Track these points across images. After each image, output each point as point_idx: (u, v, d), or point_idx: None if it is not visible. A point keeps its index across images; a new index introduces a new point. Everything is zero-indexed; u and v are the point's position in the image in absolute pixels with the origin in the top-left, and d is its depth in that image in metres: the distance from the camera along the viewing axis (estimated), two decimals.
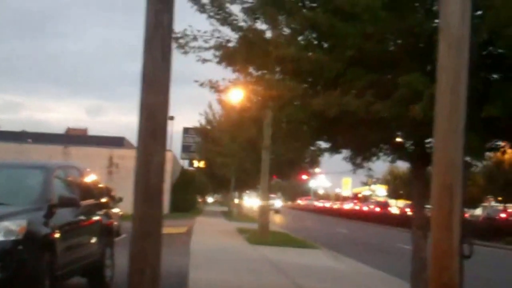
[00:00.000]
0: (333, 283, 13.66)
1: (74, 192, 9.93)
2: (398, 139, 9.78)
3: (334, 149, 10.88)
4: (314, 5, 9.20)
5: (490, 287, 16.42)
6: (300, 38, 9.38)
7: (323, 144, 11.02)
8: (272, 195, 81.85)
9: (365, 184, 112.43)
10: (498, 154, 9.48)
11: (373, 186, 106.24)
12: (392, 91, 8.08)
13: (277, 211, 71.75)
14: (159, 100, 5.16)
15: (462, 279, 6.08)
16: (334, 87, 8.43)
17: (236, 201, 56.84)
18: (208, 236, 25.08)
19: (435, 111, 6.11)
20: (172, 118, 60.99)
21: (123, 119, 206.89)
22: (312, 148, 12.13)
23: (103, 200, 11.69)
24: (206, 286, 11.77)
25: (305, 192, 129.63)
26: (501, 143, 9.28)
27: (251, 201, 74.46)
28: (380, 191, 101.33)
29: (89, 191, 10.89)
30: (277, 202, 79.33)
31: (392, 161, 10.68)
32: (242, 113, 26.20)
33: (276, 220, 49.50)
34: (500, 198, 63.84)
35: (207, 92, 12.15)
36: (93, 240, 10.52)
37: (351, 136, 9.49)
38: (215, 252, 18.49)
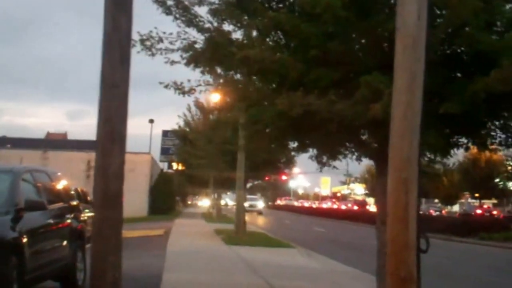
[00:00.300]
0: (306, 282, 13.76)
1: (42, 196, 9.94)
2: (363, 137, 9.90)
3: (301, 149, 11.02)
4: (280, 5, 9.35)
5: (452, 281, 16.62)
6: (268, 39, 9.54)
7: (291, 144, 11.07)
8: (253, 196, 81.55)
9: (344, 183, 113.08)
10: (462, 151, 9.61)
11: (351, 185, 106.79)
12: (354, 91, 8.19)
13: (259, 213, 70.68)
14: (118, 104, 5.22)
15: (419, 273, 6.22)
16: (299, 87, 8.54)
17: (215, 201, 56.85)
18: (185, 238, 25.11)
19: (391, 109, 6.24)
20: (152, 121, 60.99)
21: None
22: (278, 147, 12.22)
23: (74, 203, 11.70)
24: (178, 287, 11.81)
25: (286, 193, 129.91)
26: (464, 140, 9.44)
27: (230, 202, 74.57)
28: (359, 189, 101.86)
29: (58, 195, 10.90)
30: (259, 203, 76.67)
31: (358, 159, 10.81)
32: (217, 115, 26.41)
33: (255, 220, 49.54)
34: (476, 195, 64.52)
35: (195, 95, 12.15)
36: (63, 243, 10.53)
37: (316, 136, 9.59)
38: (190, 253, 18.54)
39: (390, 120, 6.18)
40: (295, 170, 62.50)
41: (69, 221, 10.93)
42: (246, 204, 70.50)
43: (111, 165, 5.20)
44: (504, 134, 9.07)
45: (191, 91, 9.68)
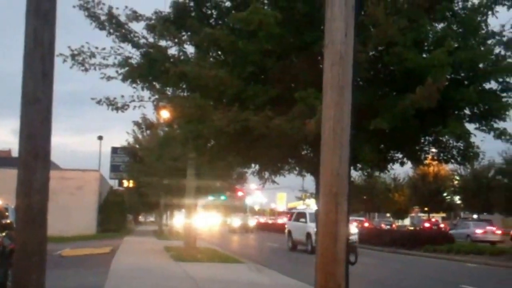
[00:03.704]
0: None
1: None
2: (303, 152, 10.01)
3: (243, 164, 11.10)
4: (219, 22, 9.44)
5: None
6: (208, 55, 9.62)
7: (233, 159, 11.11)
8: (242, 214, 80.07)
9: (300, 198, 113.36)
10: (397, 165, 9.82)
11: (307, 201, 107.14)
12: (291, 107, 8.31)
13: (251, 231, 64.65)
14: (40, 119, 5.18)
15: (347, 285, 6.31)
16: (236, 103, 8.62)
17: (167, 219, 56.45)
18: (132, 255, 24.75)
19: (322, 125, 6.34)
20: (101, 138, 60.24)
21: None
22: (221, 162, 12.23)
23: (7, 221, 11.50)
24: None
25: (242, 209, 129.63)
26: (399, 155, 9.64)
27: (183, 220, 73.24)
28: (314, 205, 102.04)
29: None
30: (251, 221, 70.54)
31: (300, 174, 10.89)
32: (166, 131, 26.30)
33: (207, 236, 49.27)
34: (426, 208, 65.67)
35: (141, 111, 12.08)
36: None
37: (256, 151, 9.67)
38: (135, 271, 18.28)
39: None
40: (252, 186, 62.51)
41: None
42: (237, 222, 67.01)
43: (34, 182, 5.13)
44: (436, 149, 9.32)
45: (124, 107, 9.63)
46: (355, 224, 36.74)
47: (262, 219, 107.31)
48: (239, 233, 61.12)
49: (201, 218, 71.41)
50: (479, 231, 40.58)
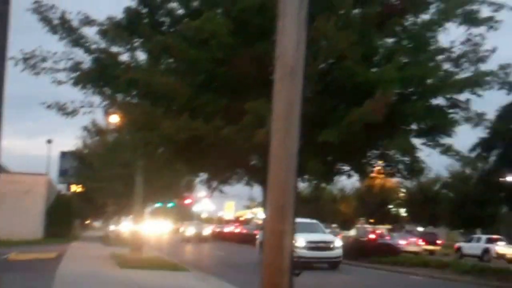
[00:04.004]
0: None
1: None
2: (251, 163, 10.01)
3: (191, 173, 11.07)
4: (171, 29, 9.40)
5: None
6: (161, 62, 9.57)
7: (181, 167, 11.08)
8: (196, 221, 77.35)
9: (248, 207, 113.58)
10: (344, 177, 9.93)
11: (254, 209, 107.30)
12: (241, 117, 8.31)
13: (204, 240, 60.85)
14: None
15: None
16: (186, 111, 8.58)
17: (115, 226, 55.80)
18: (78, 261, 24.41)
19: (271, 136, 6.36)
20: (50, 141, 59.36)
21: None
22: (170, 170, 12.19)
23: None
24: None
25: (189, 217, 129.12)
26: (346, 168, 9.73)
27: (130, 226, 71.82)
28: (261, 214, 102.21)
29: None
30: (205, 229, 65.66)
31: (248, 184, 10.89)
32: (115, 137, 26.05)
33: (156, 244, 48.82)
34: (372, 220, 66.47)
35: (91, 116, 11.94)
36: None
37: (205, 160, 9.65)
38: (81, 277, 18.05)
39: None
40: (201, 194, 62.18)
41: None
42: (191, 230, 62.03)
43: None
44: (382, 162, 9.45)
45: (74, 112, 9.51)
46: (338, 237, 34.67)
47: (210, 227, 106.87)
48: (192, 243, 57.06)
49: (149, 225, 70.24)
50: (402, 242, 44.37)
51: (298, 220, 28.62)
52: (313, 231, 29.81)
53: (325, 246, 28.42)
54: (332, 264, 28.39)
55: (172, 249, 42.83)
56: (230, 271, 24.87)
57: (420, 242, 47.92)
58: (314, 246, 27.67)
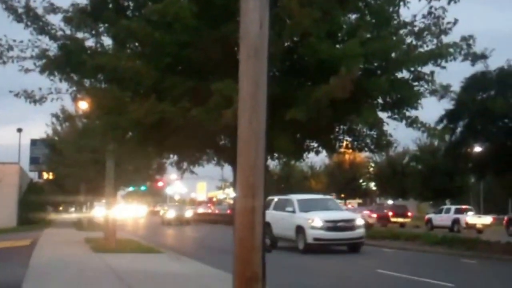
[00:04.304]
0: (171, 286, 13.79)
1: None
2: (220, 143, 10.09)
3: (160, 155, 11.12)
4: (135, 13, 9.38)
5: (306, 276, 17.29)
6: (126, 47, 9.57)
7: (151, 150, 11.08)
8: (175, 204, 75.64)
9: (220, 188, 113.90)
10: (313, 154, 10.04)
11: (227, 190, 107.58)
12: (208, 98, 8.37)
13: (186, 222, 58.37)
14: None
15: (265, 272, 6.45)
16: (153, 94, 8.61)
17: (88, 211, 55.50)
18: (52, 247, 24.41)
19: (238, 116, 6.44)
20: (20, 130, 58.81)
21: None
22: (139, 153, 12.19)
23: None
24: None
25: (163, 199, 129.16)
26: (315, 144, 9.86)
27: (103, 211, 71.00)
28: (233, 194, 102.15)
29: None
30: (187, 211, 62.51)
31: (218, 164, 10.97)
32: (85, 123, 25.89)
33: (128, 228, 48.79)
34: (342, 195, 67.24)
35: (60, 103, 11.93)
36: None
37: (174, 142, 9.70)
38: (55, 262, 18.08)
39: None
40: (172, 176, 62.07)
41: None
42: (171, 213, 59.26)
43: None
44: (350, 137, 9.59)
45: (42, 99, 9.51)
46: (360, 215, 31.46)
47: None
48: (173, 225, 55.98)
49: (123, 209, 69.72)
50: (366, 212, 47.88)
51: (310, 196, 29.71)
52: (328, 208, 27.10)
53: (346, 225, 25.22)
54: (354, 246, 25.56)
55: (149, 233, 42.87)
56: (204, 252, 25.05)
57: (373, 215, 50.71)
58: (333, 225, 24.80)
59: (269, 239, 7.30)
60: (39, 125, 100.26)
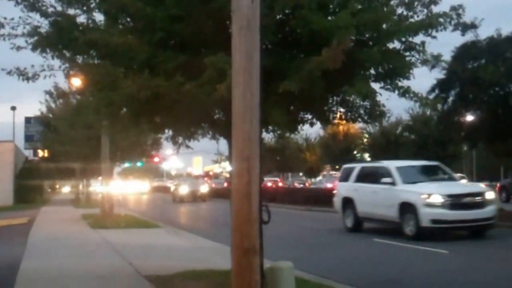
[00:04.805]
0: (169, 259, 13.90)
1: None
2: (215, 117, 10.13)
3: (156, 130, 11.17)
4: None
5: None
6: (118, 22, 9.56)
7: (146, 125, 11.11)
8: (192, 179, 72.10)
9: (216, 161, 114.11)
10: (307, 126, 10.09)
11: (223, 163, 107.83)
12: (201, 72, 8.39)
13: (203, 199, 51.46)
14: None
15: (262, 243, 6.56)
16: (147, 69, 8.63)
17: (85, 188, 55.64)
18: (50, 225, 24.57)
19: (232, 90, 6.50)
20: (14, 108, 58.68)
21: None
22: (134, 129, 12.22)
23: None
24: (36, 274, 11.63)
25: (159, 175, 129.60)
26: (308, 116, 9.92)
27: (100, 187, 70.71)
28: (230, 167, 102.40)
29: None
30: (202, 186, 58.23)
31: (213, 138, 11.01)
32: (78, 99, 25.83)
33: (126, 203, 48.96)
34: (337, 167, 67.55)
35: (53, 80, 11.96)
36: None
37: (169, 117, 9.75)
38: (54, 240, 18.22)
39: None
40: (168, 152, 62.09)
41: None
42: (184, 189, 52.31)
43: None
44: (343, 108, 9.66)
45: (35, 76, 9.51)
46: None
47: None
48: (187, 202, 49.30)
49: (124, 186, 68.83)
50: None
51: (413, 162, 22.01)
52: (439, 178, 20.57)
53: (474, 201, 18.41)
54: (483, 229, 18.72)
55: (139, 207, 42.95)
56: (204, 226, 25.22)
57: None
58: (457, 202, 18.09)
59: (266, 212, 7.33)
60: (33, 103, 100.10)
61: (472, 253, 15.77)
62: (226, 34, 8.51)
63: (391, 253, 15.97)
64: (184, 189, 53.06)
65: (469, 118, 25.08)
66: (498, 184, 42.88)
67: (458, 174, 48.89)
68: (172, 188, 60.35)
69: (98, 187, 47.58)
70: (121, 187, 58.16)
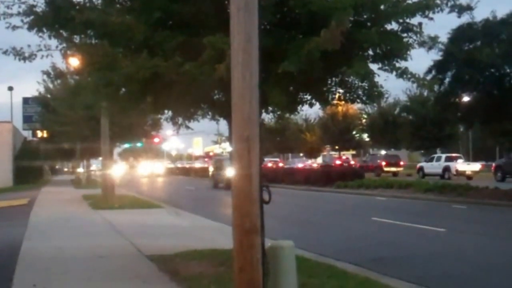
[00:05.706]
0: (171, 239, 13.98)
1: None
2: (215, 97, 10.13)
3: (155, 111, 11.17)
4: None
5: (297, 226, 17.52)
6: (116, 1, 9.52)
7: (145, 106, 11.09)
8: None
9: (216, 142, 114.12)
10: (306, 106, 10.10)
11: (223, 144, 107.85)
12: (200, 52, 8.39)
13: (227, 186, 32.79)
14: None
15: (263, 223, 6.60)
16: (145, 49, 8.61)
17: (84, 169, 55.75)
18: (50, 206, 24.64)
19: (231, 71, 6.49)
20: (11, 88, 58.68)
21: None
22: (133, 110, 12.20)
23: None
24: (37, 254, 11.68)
25: (159, 155, 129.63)
26: (308, 97, 9.93)
27: (100, 168, 69.97)
28: (230, 148, 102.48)
29: None
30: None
31: (213, 119, 11.02)
32: (77, 79, 25.73)
33: (127, 184, 49.09)
34: (337, 147, 67.77)
35: (50, 60, 11.93)
36: None
37: (168, 97, 9.74)
38: (55, 220, 18.28)
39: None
40: (168, 132, 62.06)
41: None
42: (231, 171, 50.73)
43: None
44: (342, 89, 9.66)
45: (31, 56, 9.47)
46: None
47: (179, 164, 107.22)
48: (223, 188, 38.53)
49: (140, 167, 66.72)
50: (299, 165, 50.98)
51: None
52: None
53: None
54: None
55: (141, 188, 42.85)
56: (204, 206, 25.27)
57: (314, 165, 55.31)
58: None
59: (267, 192, 7.40)
60: (31, 83, 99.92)
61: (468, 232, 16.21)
62: (225, 14, 8.49)
63: (389, 231, 16.29)
64: (231, 172, 43.41)
65: (465, 99, 25.29)
66: (493, 164, 43.22)
67: (454, 154, 49.30)
68: (211, 170, 52.89)
69: (99, 167, 47.19)
70: (132, 169, 56.21)
